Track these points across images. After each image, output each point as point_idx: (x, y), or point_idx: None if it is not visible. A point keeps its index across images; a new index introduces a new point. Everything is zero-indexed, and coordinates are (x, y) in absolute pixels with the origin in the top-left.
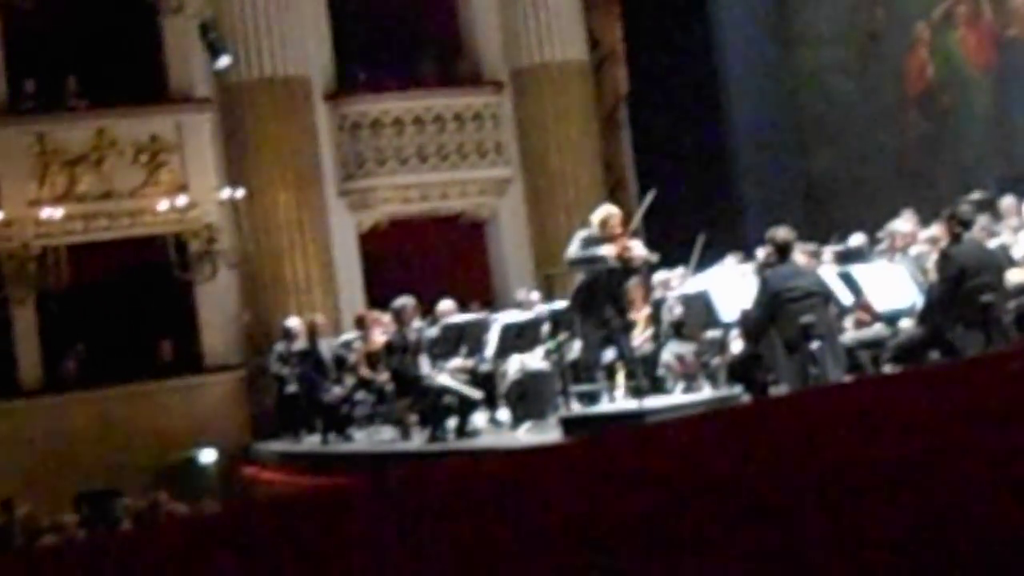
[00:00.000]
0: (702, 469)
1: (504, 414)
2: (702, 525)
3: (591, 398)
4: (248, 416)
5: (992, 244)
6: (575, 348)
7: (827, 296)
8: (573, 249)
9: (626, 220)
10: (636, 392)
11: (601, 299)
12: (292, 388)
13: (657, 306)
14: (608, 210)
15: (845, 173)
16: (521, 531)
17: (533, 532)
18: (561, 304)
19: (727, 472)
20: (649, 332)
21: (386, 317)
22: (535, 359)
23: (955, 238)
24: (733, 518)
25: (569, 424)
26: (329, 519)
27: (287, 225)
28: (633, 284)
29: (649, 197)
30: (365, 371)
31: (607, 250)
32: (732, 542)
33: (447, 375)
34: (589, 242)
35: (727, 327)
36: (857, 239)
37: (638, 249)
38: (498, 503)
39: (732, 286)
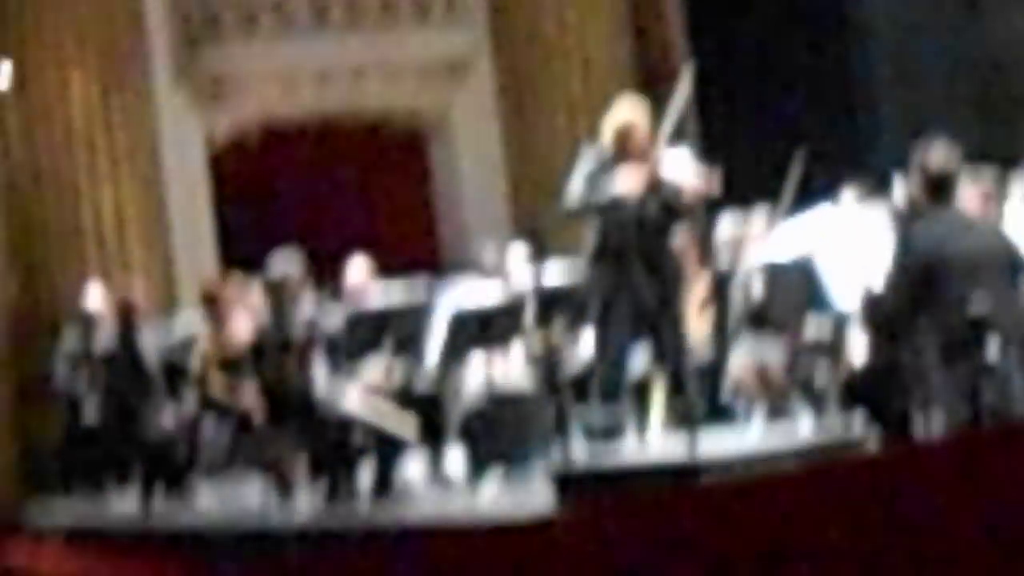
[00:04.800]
0: (803, 567)
1: (456, 462)
2: None
3: (607, 436)
4: (14, 459)
5: None
6: (581, 350)
7: (1015, 267)
8: (576, 187)
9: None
10: (685, 425)
11: (629, 265)
12: (91, 413)
13: (722, 279)
14: (626, 118)
15: None
16: None
17: None
18: (558, 272)
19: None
20: (707, 323)
21: (255, 294)
22: (511, 369)
23: None
24: None
25: (568, 482)
26: None
27: (84, 132)
28: (680, 238)
29: (688, 73)
30: (217, 389)
31: (627, 181)
32: None
33: (359, 395)
34: (600, 169)
35: (843, 318)
36: None
37: (684, 174)
38: None
39: (852, 248)
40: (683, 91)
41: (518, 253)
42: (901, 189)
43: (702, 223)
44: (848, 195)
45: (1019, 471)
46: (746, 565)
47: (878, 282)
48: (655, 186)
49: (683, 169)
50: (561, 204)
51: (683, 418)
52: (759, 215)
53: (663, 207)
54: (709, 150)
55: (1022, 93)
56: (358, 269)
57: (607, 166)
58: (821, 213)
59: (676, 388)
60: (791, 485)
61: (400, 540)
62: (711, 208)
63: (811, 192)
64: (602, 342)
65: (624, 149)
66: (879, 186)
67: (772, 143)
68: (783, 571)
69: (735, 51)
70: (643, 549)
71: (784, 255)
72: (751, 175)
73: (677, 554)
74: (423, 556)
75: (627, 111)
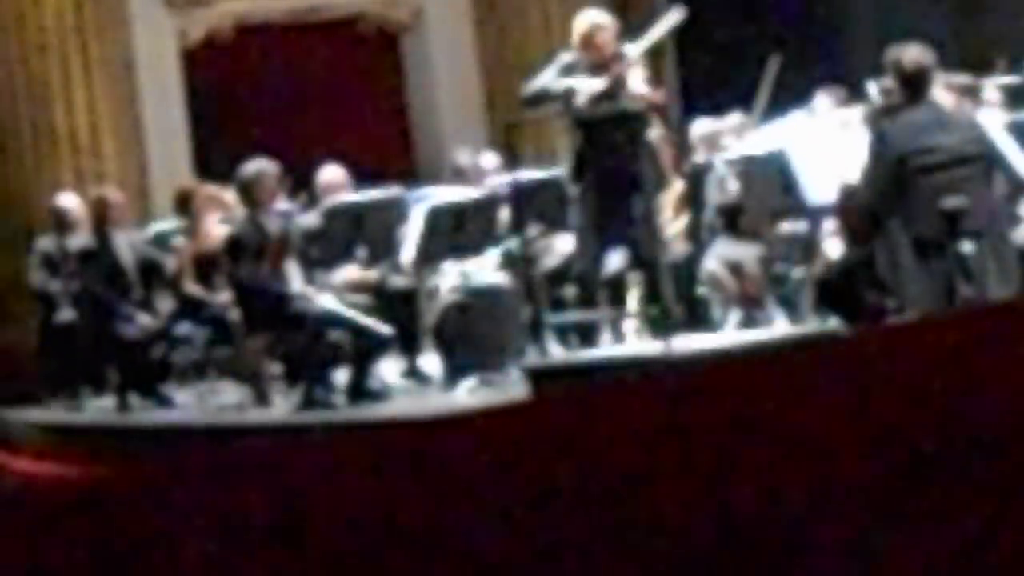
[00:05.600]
0: (771, 447)
1: (432, 363)
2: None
3: (583, 335)
4: None
5: None
6: (556, 249)
7: (989, 162)
8: (540, 80)
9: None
10: (660, 325)
11: (603, 164)
12: (67, 315)
13: (697, 178)
14: (592, 19)
15: None
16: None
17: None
18: (532, 174)
19: (819, 453)
20: (682, 223)
21: (229, 194)
22: (485, 269)
23: None
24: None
25: (543, 377)
26: (136, 526)
27: (57, 34)
28: (656, 141)
29: (674, 16)
30: (192, 287)
31: (588, 81)
32: None
33: (333, 295)
34: (570, 71)
35: (817, 215)
36: None
37: (634, 84)
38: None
39: (826, 145)
40: (664, 28)
41: (490, 160)
42: (875, 91)
43: (676, 126)
44: (822, 101)
45: (992, 352)
46: (715, 444)
47: (854, 176)
48: (616, 90)
49: (633, 82)
50: (522, 92)
51: (658, 322)
52: (731, 118)
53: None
54: (682, 57)
55: (996, 7)
56: (332, 172)
57: (574, 66)
58: (796, 120)
59: (652, 296)
60: (762, 367)
61: (376, 433)
62: (686, 112)
63: (785, 99)
64: (577, 247)
65: (589, 50)
66: (853, 93)
67: (745, 49)
68: (751, 450)
69: None
70: (615, 432)
71: (759, 149)
72: (725, 82)
73: (647, 436)
74: (397, 445)
75: (592, 14)
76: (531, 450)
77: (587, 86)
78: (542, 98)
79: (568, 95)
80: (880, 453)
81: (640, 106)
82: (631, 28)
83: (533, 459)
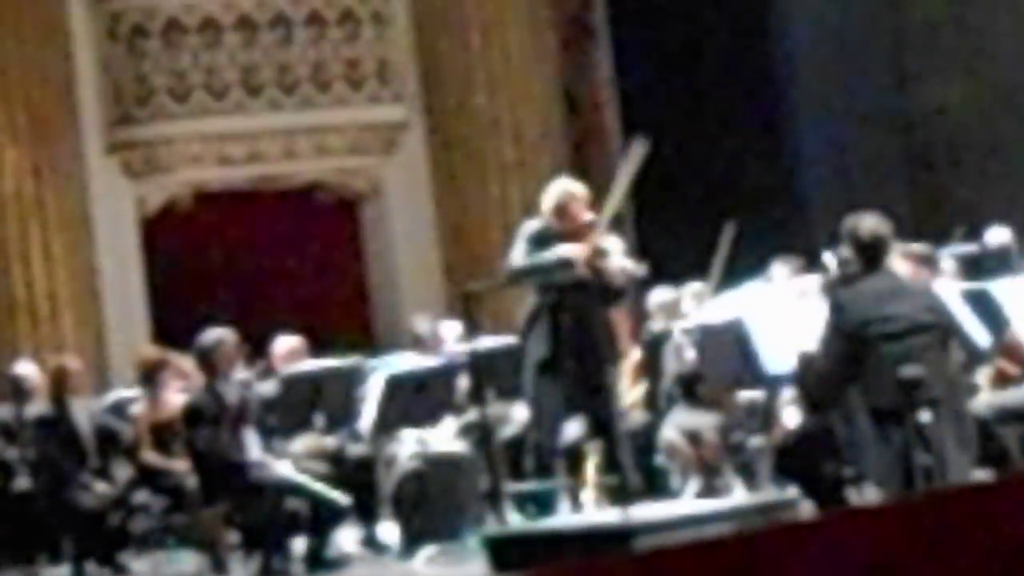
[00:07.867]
0: None
1: (390, 531)
2: None
3: (541, 504)
4: None
5: None
6: (515, 418)
7: (946, 332)
8: (519, 253)
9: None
10: (618, 494)
11: (564, 333)
12: (23, 483)
13: (655, 347)
14: (566, 188)
15: (977, 121)
16: None
17: None
18: (491, 342)
19: None
20: (640, 391)
21: (187, 363)
22: (444, 437)
23: None
24: None
25: (501, 549)
26: None
27: (16, 202)
28: (614, 312)
29: (638, 150)
30: (150, 455)
31: (572, 248)
32: None
33: (291, 464)
34: (542, 240)
35: (775, 384)
36: (998, 235)
37: (615, 257)
38: None
39: (784, 314)
40: (632, 165)
41: (449, 329)
42: (832, 261)
43: (634, 297)
44: (779, 271)
45: (953, 537)
46: None
47: (811, 346)
48: (593, 264)
49: (613, 255)
50: (507, 266)
51: (616, 492)
52: (689, 287)
53: (599, 286)
54: (639, 225)
55: (952, 180)
56: (290, 341)
57: (548, 236)
58: (753, 289)
59: (610, 465)
60: (724, 550)
61: None
62: (643, 283)
63: (743, 268)
64: (534, 416)
65: (562, 219)
66: (810, 262)
67: (702, 219)
68: None
69: (667, 123)
70: None
71: (716, 318)
72: (681, 252)
73: None
74: None
75: (564, 185)
76: None
77: (573, 252)
78: (534, 272)
79: (559, 266)
80: None
81: (622, 281)
82: (590, 170)
83: None
